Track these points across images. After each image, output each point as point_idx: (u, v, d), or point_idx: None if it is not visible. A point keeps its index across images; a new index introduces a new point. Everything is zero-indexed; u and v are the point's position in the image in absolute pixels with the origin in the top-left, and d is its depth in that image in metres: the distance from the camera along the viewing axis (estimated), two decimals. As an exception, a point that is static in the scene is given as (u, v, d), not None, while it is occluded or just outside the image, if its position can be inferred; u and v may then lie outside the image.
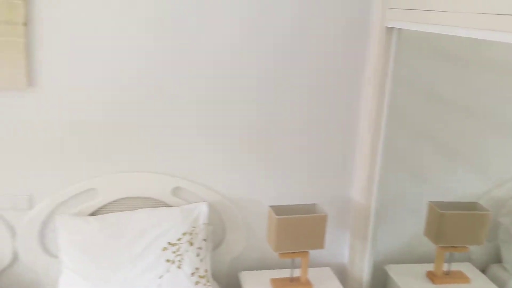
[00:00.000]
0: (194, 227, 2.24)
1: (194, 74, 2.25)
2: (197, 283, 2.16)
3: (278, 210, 2.23)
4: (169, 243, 2.17)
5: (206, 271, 2.22)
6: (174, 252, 2.17)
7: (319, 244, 2.26)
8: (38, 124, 2.17)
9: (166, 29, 2.17)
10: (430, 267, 2.43)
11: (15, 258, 2.29)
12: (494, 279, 2.39)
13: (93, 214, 2.29)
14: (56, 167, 2.24)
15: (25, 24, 2.00)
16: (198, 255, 2.20)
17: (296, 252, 2.26)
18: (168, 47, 2.19)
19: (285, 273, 2.39)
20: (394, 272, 2.49)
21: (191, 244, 2.20)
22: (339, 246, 2.61)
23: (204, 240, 2.25)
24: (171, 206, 2.34)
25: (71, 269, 2.12)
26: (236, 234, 2.46)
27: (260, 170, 2.43)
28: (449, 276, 2.39)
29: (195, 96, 2.28)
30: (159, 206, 2.34)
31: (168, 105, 2.26)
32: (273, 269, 2.48)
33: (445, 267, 2.39)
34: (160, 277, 2.13)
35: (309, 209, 2.32)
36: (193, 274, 2.16)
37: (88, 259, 2.12)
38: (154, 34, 2.16)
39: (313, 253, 2.36)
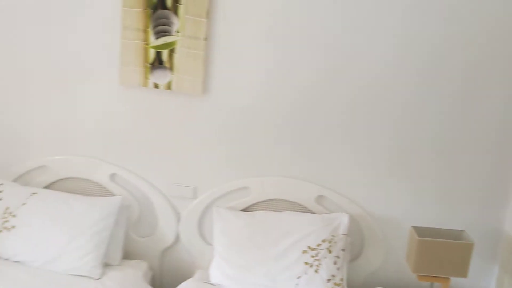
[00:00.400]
0: (333, 236, 2.33)
1: (350, 88, 2.34)
2: (332, 289, 2.25)
3: (420, 231, 2.21)
4: (309, 247, 2.30)
5: (342, 279, 2.29)
6: (313, 256, 2.28)
7: (462, 273, 2.18)
8: (208, 126, 2.49)
9: (328, 44, 2.30)
10: None
11: (177, 239, 2.64)
12: None
13: (244, 210, 2.53)
14: (219, 164, 2.53)
15: (206, 39, 2.32)
16: (335, 263, 2.29)
17: (436, 276, 2.22)
18: (325, 61, 2.32)
19: (422, 296, 2.36)
20: (548, 317, 2.28)
21: (330, 251, 2.29)
22: (485, 278, 2.46)
23: (342, 250, 2.33)
24: (313, 213, 2.47)
25: (221, 256, 2.38)
26: (374, 249, 2.49)
27: (405, 188, 2.43)
28: None
29: (347, 111, 2.37)
30: (303, 211, 2.48)
31: (322, 118, 2.39)
32: (410, 290, 2.46)
33: None
34: (298, 277, 2.26)
35: (454, 234, 2.25)
36: (329, 280, 2.25)
37: (236, 249, 2.36)
38: (311, 49, 2.32)
39: (455, 281, 2.28)
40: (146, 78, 2.41)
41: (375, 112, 2.35)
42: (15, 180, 2.63)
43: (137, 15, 2.30)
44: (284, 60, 2.35)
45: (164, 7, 2.27)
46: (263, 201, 2.52)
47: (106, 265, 2.44)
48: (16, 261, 2.40)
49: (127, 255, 2.63)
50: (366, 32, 2.26)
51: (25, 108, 2.60)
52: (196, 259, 2.63)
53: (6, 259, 2.41)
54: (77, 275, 2.34)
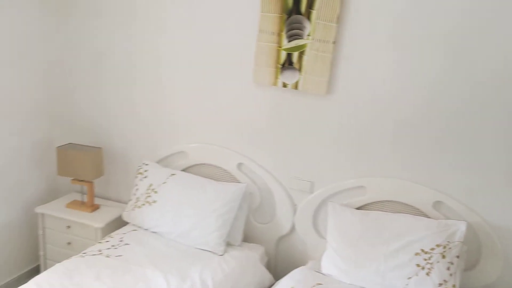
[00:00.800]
0: (449, 241, 2.31)
1: (470, 92, 2.32)
2: (443, 294, 2.25)
3: (544, 246, 2.12)
4: (422, 250, 2.32)
5: (454, 286, 2.26)
6: (425, 259, 2.29)
7: None
8: (330, 125, 2.62)
9: (447, 47, 2.31)
10: None
11: (292, 229, 2.82)
12: None
13: (358, 208, 2.62)
14: (337, 162, 2.65)
15: (334, 42, 2.46)
16: (448, 268, 2.27)
17: (559, 295, 2.11)
18: (445, 65, 2.33)
19: (543, 316, 2.25)
20: None
21: (443, 256, 2.29)
22: None
23: (457, 256, 2.30)
24: (429, 218, 2.47)
25: (333, 249, 2.49)
26: (491, 261, 2.42)
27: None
28: None
29: (467, 115, 2.34)
30: (418, 215, 2.49)
31: (442, 121, 2.39)
32: (529, 307, 2.35)
33: None
34: (408, 278, 2.29)
35: None
36: (440, 284, 2.24)
37: (349, 244, 2.45)
38: (431, 54, 2.34)
39: None
40: (276, 77, 2.62)
41: (496, 118, 2.30)
42: (158, 162, 3.03)
43: (273, 19, 2.53)
44: (407, 65, 2.40)
45: (298, 12, 2.47)
46: (378, 201, 2.59)
47: (228, 244, 2.71)
48: (154, 232, 2.77)
49: (246, 239, 2.87)
50: (485, 30, 2.22)
51: (170, 100, 2.98)
52: (309, 250, 2.78)
53: (146, 229, 2.79)
54: (204, 250, 2.63)
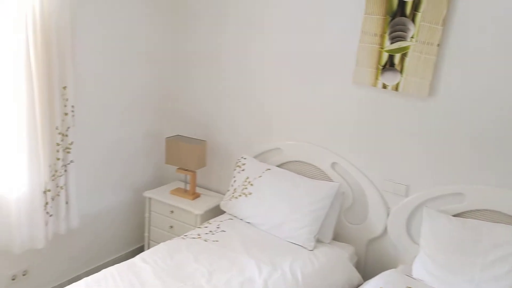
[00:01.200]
0: (553, 257, 2.19)
1: None
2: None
3: None
4: (524, 263, 2.22)
5: (557, 305, 2.15)
6: (525, 273, 2.20)
7: None
8: (429, 128, 2.58)
9: None
10: None
11: (384, 231, 2.81)
12: None
13: (455, 215, 2.54)
14: (435, 167, 2.60)
15: (439, 45, 2.43)
16: (548, 286, 2.16)
17: None
18: None
19: None
20: None
21: (546, 272, 2.17)
22: None
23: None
24: (533, 231, 2.34)
25: (426, 254, 2.45)
26: None
27: None
28: None
29: None
30: (520, 227, 2.37)
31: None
32: None
33: None
34: (506, 290, 2.20)
35: None
36: (541, 301, 2.14)
37: (443, 251, 2.40)
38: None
39: None
40: (376, 78, 2.64)
41: None
42: (255, 157, 3.17)
43: (376, 21, 2.55)
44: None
45: (402, 14, 2.47)
46: (476, 210, 2.50)
47: (318, 241, 2.77)
48: (248, 222, 2.92)
49: (337, 237, 2.92)
50: None
51: (270, 99, 3.11)
52: (400, 254, 2.75)
53: (241, 219, 2.95)
54: (294, 243, 2.72)
